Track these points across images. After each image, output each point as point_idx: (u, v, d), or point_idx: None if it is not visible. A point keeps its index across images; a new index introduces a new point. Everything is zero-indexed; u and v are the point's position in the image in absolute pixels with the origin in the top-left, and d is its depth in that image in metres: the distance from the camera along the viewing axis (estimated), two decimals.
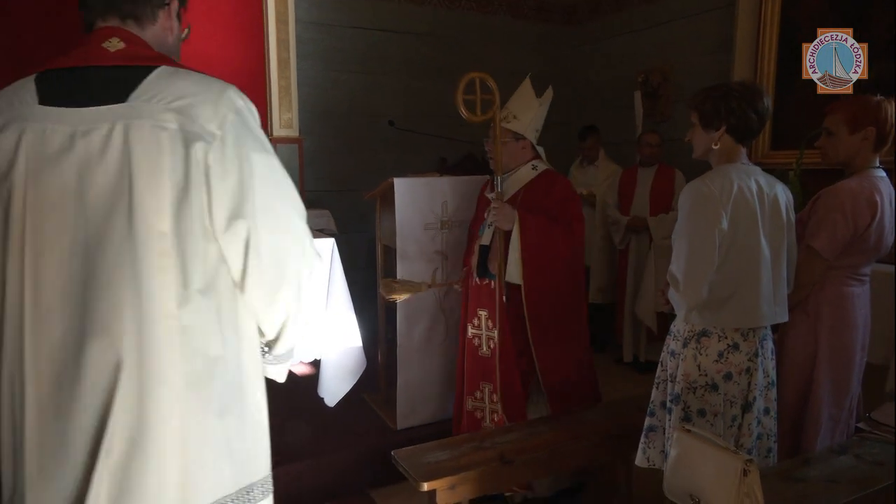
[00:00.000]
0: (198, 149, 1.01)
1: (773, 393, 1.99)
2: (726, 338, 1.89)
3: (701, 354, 1.90)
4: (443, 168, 4.55)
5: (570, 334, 2.45)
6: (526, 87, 2.48)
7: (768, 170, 2.08)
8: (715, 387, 1.89)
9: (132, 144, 1.00)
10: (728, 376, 1.89)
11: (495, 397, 2.46)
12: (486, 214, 2.51)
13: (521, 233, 2.30)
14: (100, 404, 0.98)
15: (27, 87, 1.04)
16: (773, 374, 1.99)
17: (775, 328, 2.08)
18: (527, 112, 2.41)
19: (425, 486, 1.88)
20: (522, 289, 2.34)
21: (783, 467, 1.87)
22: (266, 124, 4.12)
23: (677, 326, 1.99)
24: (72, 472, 0.98)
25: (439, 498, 1.90)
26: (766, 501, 1.52)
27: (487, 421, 2.53)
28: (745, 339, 1.89)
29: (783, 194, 1.95)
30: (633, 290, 4.26)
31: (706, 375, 1.89)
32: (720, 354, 1.89)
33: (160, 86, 1.04)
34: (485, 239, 2.50)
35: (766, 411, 1.96)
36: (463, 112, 2.35)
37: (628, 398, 2.64)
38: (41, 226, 0.98)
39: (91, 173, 0.99)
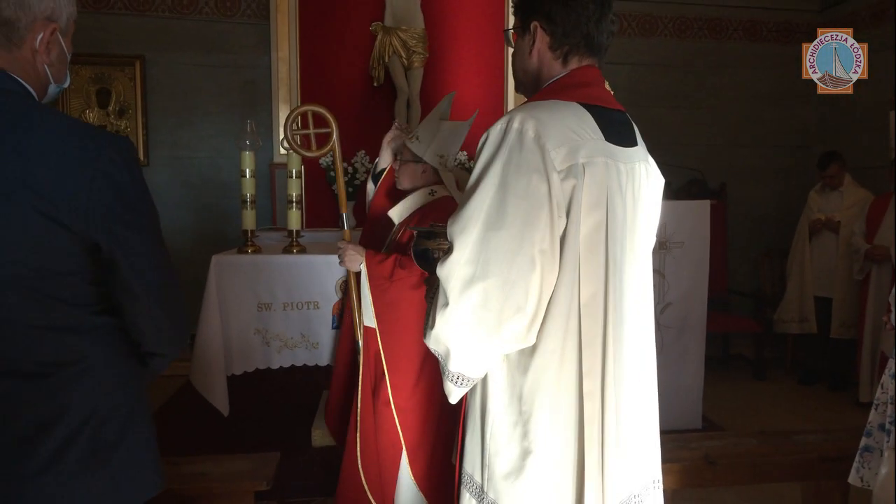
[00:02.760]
0: (652, 188, 1.31)
1: None
2: None
3: None
4: (666, 192, 4.67)
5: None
6: (439, 108, 2.28)
7: None
8: None
9: (651, 180, 1.28)
10: None
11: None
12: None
13: (369, 279, 2.13)
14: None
15: (585, 119, 1.15)
16: None
17: None
18: (429, 135, 2.21)
19: None
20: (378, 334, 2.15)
21: None
22: None
23: None
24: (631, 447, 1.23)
25: None
26: None
27: None
28: None
29: None
30: (874, 324, 3.91)
31: None
32: None
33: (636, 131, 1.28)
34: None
35: None
36: (293, 146, 2.29)
37: (853, 427, 2.55)
38: (616, 246, 1.15)
39: (636, 202, 1.22)
